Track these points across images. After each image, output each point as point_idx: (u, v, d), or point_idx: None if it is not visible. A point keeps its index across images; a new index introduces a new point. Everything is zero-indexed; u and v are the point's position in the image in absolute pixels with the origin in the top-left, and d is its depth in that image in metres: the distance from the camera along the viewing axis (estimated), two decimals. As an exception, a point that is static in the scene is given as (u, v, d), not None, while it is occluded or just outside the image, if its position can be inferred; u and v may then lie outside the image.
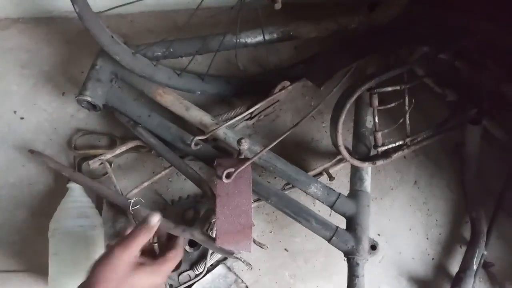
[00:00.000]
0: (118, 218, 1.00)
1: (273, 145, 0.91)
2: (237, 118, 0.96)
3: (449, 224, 1.07)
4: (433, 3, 0.98)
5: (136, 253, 0.65)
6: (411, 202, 1.08)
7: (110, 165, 1.01)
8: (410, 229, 1.07)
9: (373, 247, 0.90)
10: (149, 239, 0.70)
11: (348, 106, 0.88)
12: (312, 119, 1.12)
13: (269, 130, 1.10)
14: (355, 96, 0.88)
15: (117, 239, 0.74)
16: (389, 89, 0.92)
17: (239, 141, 0.85)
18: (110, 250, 0.63)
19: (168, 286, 0.95)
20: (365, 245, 0.88)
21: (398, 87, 0.92)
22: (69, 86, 1.11)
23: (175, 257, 0.72)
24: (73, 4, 0.76)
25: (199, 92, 1.05)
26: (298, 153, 1.09)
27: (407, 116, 0.92)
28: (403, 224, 1.07)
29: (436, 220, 1.07)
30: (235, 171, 0.88)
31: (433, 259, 1.05)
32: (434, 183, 1.09)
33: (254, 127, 1.10)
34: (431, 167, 1.10)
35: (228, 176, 0.88)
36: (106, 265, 0.61)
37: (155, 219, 0.69)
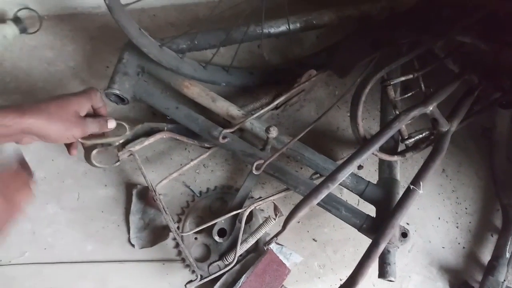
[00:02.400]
0: (147, 210, 1.01)
1: (301, 135, 0.91)
2: (265, 109, 0.96)
3: (479, 212, 1.05)
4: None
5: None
6: (440, 191, 1.07)
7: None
8: (439, 218, 1.05)
9: (404, 234, 0.89)
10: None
11: (363, 98, 0.88)
12: (337, 108, 1.11)
13: (294, 120, 1.10)
14: (368, 88, 0.88)
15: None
16: (402, 78, 0.91)
17: (267, 129, 0.86)
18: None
19: (199, 277, 0.95)
20: (396, 232, 0.88)
21: (411, 76, 0.91)
22: (94, 81, 1.12)
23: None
24: (103, -4, 0.76)
25: (224, 84, 1.05)
26: (324, 142, 1.08)
27: (432, 107, 0.90)
28: (432, 213, 1.06)
29: (466, 208, 1.06)
30: (264, 162, 0.89)
31: (463, 247, 1.04)
32: (462, 171, 1.08)
33: (278, 117, 1.09)
34: (459, 155, 1.09)
35: (258, 167, 0.89)
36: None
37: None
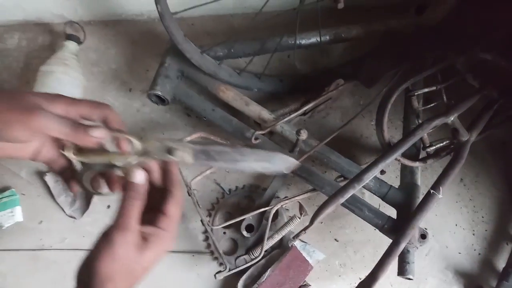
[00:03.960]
0: (66, 187, 1.08)
1: (329, 139, 0.98)
2: (294, 114, 1.02)
3: (495, 220, 1.10)
4: (481, 2, 1.03)
5: (136, 229, 0.51)
6: (458, 199, 1.12)
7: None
8: (456, 225, 1.10)
9: (423, 236, 0.94)
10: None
11: (389, 106, 0.94)
12: (361, 117, 1.17)
13: (320, 126, 1.16)
14: (393, 97, 0.94)
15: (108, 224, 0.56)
16: (426, 90, 0.97)
17: (298, 132, 0.92)
18: (108, 239, 0.50)
19: (227, 268, 1.02)
20: (416, 233, 0.93)
21: (434, 88, 0.97)
22: (134, 83, 1.20)
23: (176, 208, 0.56)
24: (156, 5, 0.85)
25: (256, 90, 1.13)
26: (348, 148, 1.14)
27: (453, 117, 0.96)
28: (449, 220, 1.11)
29: (483, 217, 1.10)
30: (298, 159, 0.96)
31: (479, 254, 1.08)
32: (480, 181, 1.13)
33: (306, 123, 1.16)
34: (477, 166, 1.14)
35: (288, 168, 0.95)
36: (110, 259, 0.49)
37: (138, 177, 0.54)
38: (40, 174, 1.11)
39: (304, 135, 0.93)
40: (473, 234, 1.09)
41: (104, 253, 0.49)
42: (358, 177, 0.88)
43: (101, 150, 0.56)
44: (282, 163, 0.55)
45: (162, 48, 1.09)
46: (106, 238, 0.50)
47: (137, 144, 0.55)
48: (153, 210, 0.55)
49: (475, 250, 1.08)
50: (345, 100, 1.19)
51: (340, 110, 1.18)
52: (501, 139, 1.13)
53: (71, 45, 1.16)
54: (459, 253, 1.08)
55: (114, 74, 1.22)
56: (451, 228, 1.10)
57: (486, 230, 1.10)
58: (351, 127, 1.16)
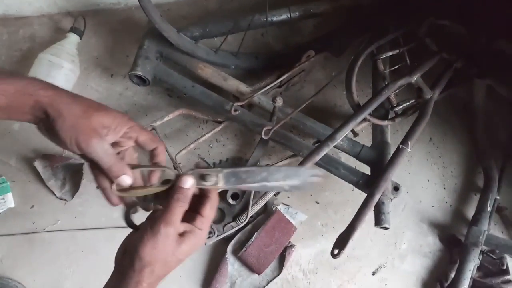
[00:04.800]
0: (57, 172, 1.15)
1: (304, 105, 1.05)
2: (270, 85, 1.09)
3: (463, 174, 1.18)
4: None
5: (179, 225, 0.58)
6: (428, 157, 1.20)
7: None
8: (428, 181, 1.18)
9: (396, 188, 1.01)
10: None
11: (356, 69, 1.02)
12: (334, 87, 1.24)
13: (296, 99, 1.23)
14: (360, 60, 1.02)
15: (155, 214, 0.62)
16: (390, 53, 1.05)
17: (274, 99, 0.99)
18: (154, 230, 0.56)
19: (215, 233, 1.07)
20: (389, 186, 1.00)
21: (397, 51, 1.04)
22: (116, 68, 1.25)
23: (212, 210, 0.63)
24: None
25: (233, 66, 1.19)
26: (324, 118, 1.20)
27: (416, 77, 1.03)
28: (421, 177, 1.18)
29: (452, 172, 1.18)
30: (272, 128, 1.02)
31: (450, 206, 1.16)
32: (447, 139, 1.21)
33: (282, 97, 1.22)
34: (444, 126, 1.22)
35: (267, 132, 1.01)
36: (154, 246, 0.56)
37: (188, 183, 0.59)
38: (29, 161, 1.15)
39: (279, 101, 0.99)
40: (444, 188, 1.17)
41: (148, 241, 0.56)
42: (331, 136, 0.94)
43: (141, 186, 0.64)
44: (309, 176, 0.61)
45: (140, 34, 1.14)
46: (152, 229, 0.56)
47: (173, 174, 0.61)
48: (191, 210, 0.61)
49: (446, 202, 1.16)
50: (318, 73, 1.26)
51: (313, 83, 1.25)
52: (463, 100, 1.21)
53: (73, 37, 1.20)
54: (432, 206, 1.16)
55: (95, 61, 1.26)
56: (423, 184, 1.18)
57: (455, 184, 1.18)
58: (325, 97, 1.23)
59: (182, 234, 0.59)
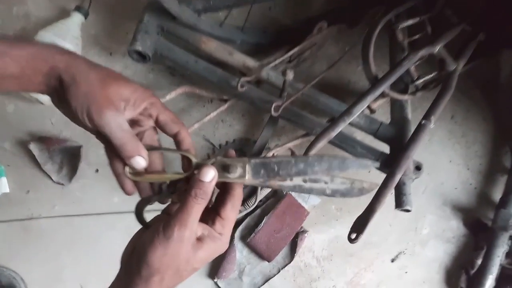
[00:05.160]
0: (53, 155, 1.08)
1: (316, 80, 0.97)
2: (280, 59, 1.01)
3: (489, 154, 1.10)
4: None
5: (196, 227, 0.50)
6: (450, 136, 1.11)
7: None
8: (450, 161, 1.10)
9: (418, 167, 0.93)
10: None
11: (373, 39, 0.93)
12: (348, 63, 1.16)
13: (307, 75, 1.14)
14: (377, 30, 0.93)
15: (166, 213, 0.56)
16: (410, 22, 0.96)
17: (284, 72, 0.91)
18: (165, 232, 0.48)
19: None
20: (410, 165, 0.92)
21: (417, 19, 0.96)
22: (115, 46, 1.18)
23: (234, 211, 0.54)
24: None
25: (239, 42, 1.11)
26: (337, 95, 1.12)
27: (439, 47, 0.95)
28: (443, 157, 1.10)
29: (476, 151, 1.10)
30: (282, 104, 0.94)
31: (475, 188, 1.08)
32: (471, 117, 1.12)
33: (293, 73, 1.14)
34: (467, 102, 1.13)
35: (277, 109, 0.94)
36: (166, 252, 0.48)
37: (209, 175, 0.50)
38: (25, 144, 1.09)
39: (290, 74, 0.91)
40: (468, 169, 1.09)
41: (160, 245, 0.48)
42: (347, 111, 0.86)
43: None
44: (358, 166, 0.52)
45: (140, 10, 1.06)
46: (163, 230, 0.48)
47: (194, 163, 0.53)
48: (209, 210, 0.52)
49: (470, 184, 1.08)
50: (330, 48, 1.17)
51: (326, 59, 1.17)
52: (488, 74, 1.12)
53: (77, 17, 1.13)
54: (455, 188, 1.08)
55: (93, 39, 1.19)
56: (445, 165, 1.09)
57: (480, 164, 1.09)
58: (338, 73, 1.15)
59: (199, 238, 0.51)
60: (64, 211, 1.07)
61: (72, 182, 1.08)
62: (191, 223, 0.49)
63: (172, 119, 0.56)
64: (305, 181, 0.51)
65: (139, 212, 0.54)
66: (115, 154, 0.54)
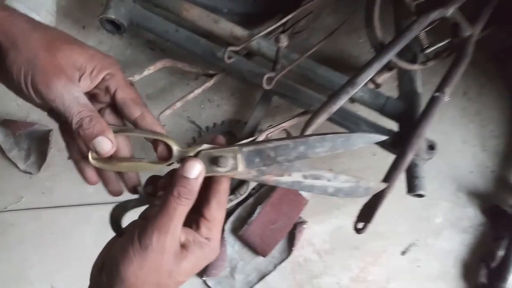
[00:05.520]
0: (19, 140, 0.98)
1: (314, 49, 0.86)
2: (273, 27, 0.89)
3: (506, 134, 0.98)
4: None
5: (178, 234, 0.42)
6: (462, 114, 1.00)
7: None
8: (464, 142, 0.98)
9: (431, 146, 0.82)
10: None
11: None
12: (348, 35, 1.05)
13: (303, 49, 1.01)
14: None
15: (143, 218, 0.46)
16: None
17: (277, 38, 0.79)
18: (145, 241, 0.40)
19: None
20: (422, 144, 0.81)
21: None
22: (88, 20, 1.06)
23: (220, 209, 0.45)
24: None
25: (226, 10, 0.99)
26: (336, 70, 1.01)
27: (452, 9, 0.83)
28: (456, 137, 0.99)
29: (492, 131, 0.99)
30: (275, 76, 0.82)
31: (492, 171, 0.96)
32: (486, 93, 1.01)
33: (287, 46, 1.03)
34: (481, 77, 1.02)
35: (269, 81, 0.82)
36: (143, 265, 0.40)
37: (195, 171, 0.42)
38: (-14, 129, 0.97)
39: (284, 41, 0.79)
40: (484, 150, 0.98)
41: (134, 256, 0.40)
42: (351, 81, 0.75)
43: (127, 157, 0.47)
44: (365, 142, 0.45)
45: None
46: (139, 239, 0.40)
47: (176, 150, 0.44)
48: (190, 211, 0.43)
49: (487, 167, 0.97)
50: (328, 18, 1.06)
51: (323, 30, 1.05)
52: (501, 48, 1.01)
53: None
54: (471, 172, 0.97)
55: (64, 11, 1.07)
56: (458, 146, 0.98)
57: (497, 145, 0.98)
58: (337, 46, 1.04)
59: (183, 246, 0.43)
60: (31, 203, 0.96)
61: (41, 171, 0.97)
62: (173, 229, 0.41)
63: (133, 98, 0.45)
64: (305, 177, 0.44)
65: (115, 221, 0.45)
66: (72, 136, 0.45)
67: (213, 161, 0.43)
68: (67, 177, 0.96)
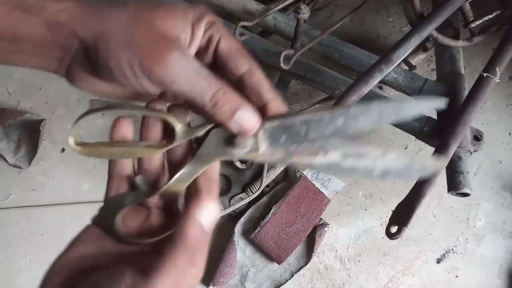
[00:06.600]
0: (9, 131, 0.89)
1: (338, 24, 0.75)
2: (287, 2, 0.78)
3: (559, 123, 0.86)
4: None
5: None
6: (508, 102, 0.89)
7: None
8: (510, 133, 0.86)
9: (477, 137, 0.71)
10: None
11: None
12: (376, 13, 0.93)
13: (326, 27, 0.91)
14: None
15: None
16: None
17: (297, 9, 0.68)
18: None
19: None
20: (467, 134, 0.69)
21: None
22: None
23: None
24: None
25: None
26: (363, 51, 0.91)
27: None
28: (500, 128, 0.88)
29: (543, 121, 0.86)
30: (295, 53, 0.71)
31: (543, 167, 0.84)
32: (535, 77, 0.89)
33: (308, 23, 0.92)
34: (528, 59, 0.89)
35: (287, 60, 0.71)
36: None
37: (210, 216, 0.32)
38: (-27, 119, 0.88)
39: (305, 11, 0.68)
40: (533, 143, 0.85)
41: None
42: (385, 58, 0.64)
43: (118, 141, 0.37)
44: (421, 110, 0.34)
45: None
46: None
47: (180, 130, 0.34)
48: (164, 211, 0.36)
49: (537, 163, 0.84)
50: (353, -5, 0.94)
51: (347, 8, 0.93)
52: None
53: None
54: (517, 168, 0.84)
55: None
56: (503, 138, 0.87)
57: (549, 137, 0.86)
58: (364, 26, 0.93)
59: (145, 270, 0.30)
60: (21, 200, 0.86)
61: (32, 165, 0.88)
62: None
63: (238, 48, 0.34)
64: (345, 156, 0.34)
65: (108, 222, 0.35)
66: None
67: (228, 141, 0.33)
68: (60, 171, 0.87)
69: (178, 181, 0.34)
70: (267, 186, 0.82)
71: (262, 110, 0.33)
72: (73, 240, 0.34)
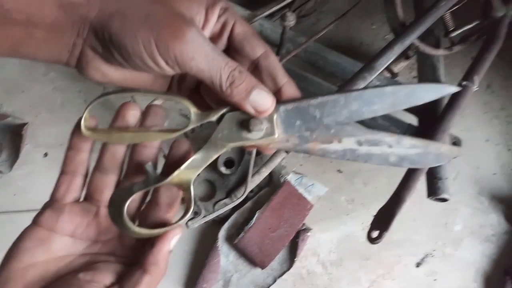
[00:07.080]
0: None
1: (323, 32, 0.77)
2: (277, 7, 0.79)
3: (535, 131, 0.89)
4: None
5: None
6: (486, 109, 0.91)
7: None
8: (487, 140, 0.89)
9: (455, 143, 0.73)
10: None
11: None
12: (361, 20, 0.95)
13: (311, 34, 0.92)
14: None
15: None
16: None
17: (283, 16, 0.68)
18: None
19: (202, 213, 0.78)
20: (446, 140, 0.71)
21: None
22: None
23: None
24: None
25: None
26: (347, 58, 0.92)
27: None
28: (478, 135, 0.90)
29: (519, 128, 0.89)
30: (280, 60, 0.72)
31: (519, 173, 0.87)
32: (511, 86, 0.91)
33: (293, 30, 0.93)
34: (505, 68, 0.93)
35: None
36: None
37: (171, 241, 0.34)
38: (-48, 121, 0.86)
39: (291, 18, 0.69)
40: (509, 150, 0.88)
41: None
42: (369, 65, 0.65)
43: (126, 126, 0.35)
44: (434, 94, 0.35)
45: None
46: None
47: (194, 114, 0.35)
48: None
49: (513, 169, 0.87)
50: (339, 1, 0.96)
51: (333, 15, 0.95)
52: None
53: None
54: (494, 174, 0.87)
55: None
56: (480, 144, 0.89)
57: (524, 144, 0.88)
58: (349, 33, 0.94)
59: None
60: (3, 205, 0.85)
61: (14, 169, 0.86)
62: None
63: (253, 33, 0.35)
64: (359, 143, 0.35)
65: (117, 209, 0.34)
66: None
67: (242, 125, 0.33)
68: (43, 176, 0.85)
69: (190, 168, 0.34)
70: (251, 191, 0.83)
71: (277, 95, 0.33)
72: (13, 250, 0.34)
